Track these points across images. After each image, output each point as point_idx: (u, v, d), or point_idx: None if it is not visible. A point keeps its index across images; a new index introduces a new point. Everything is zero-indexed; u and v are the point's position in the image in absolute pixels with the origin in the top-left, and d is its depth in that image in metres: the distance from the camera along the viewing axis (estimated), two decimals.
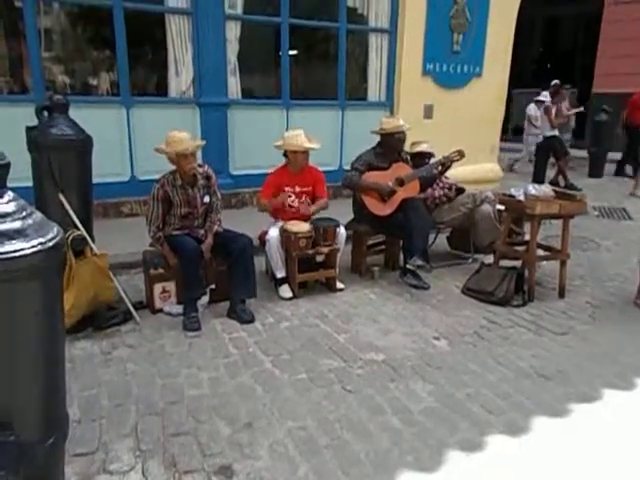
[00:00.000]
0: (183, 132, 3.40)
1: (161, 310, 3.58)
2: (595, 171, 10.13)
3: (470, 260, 4.89)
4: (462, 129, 7.41)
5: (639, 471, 2.15)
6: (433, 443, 2.27)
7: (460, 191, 4.78)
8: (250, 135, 6.22)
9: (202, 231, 3.59)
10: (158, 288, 3.57)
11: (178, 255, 3.41)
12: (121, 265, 4.19)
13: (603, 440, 2.34)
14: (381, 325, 3.49)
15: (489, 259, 4.55)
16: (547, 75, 14.52)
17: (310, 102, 6.87)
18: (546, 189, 4.08)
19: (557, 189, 4.16)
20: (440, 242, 5.26)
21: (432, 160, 4.64)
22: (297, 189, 4.06)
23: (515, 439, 2.32)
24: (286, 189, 4.04)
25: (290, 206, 4.06)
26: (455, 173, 7.43)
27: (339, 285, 4.11)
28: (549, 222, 6.52)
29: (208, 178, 3.53)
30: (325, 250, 3.91)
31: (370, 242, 4.60)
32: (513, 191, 4.10)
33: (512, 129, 15.90)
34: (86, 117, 5.31)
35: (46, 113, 3.08)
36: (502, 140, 14.59)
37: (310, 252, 3.86)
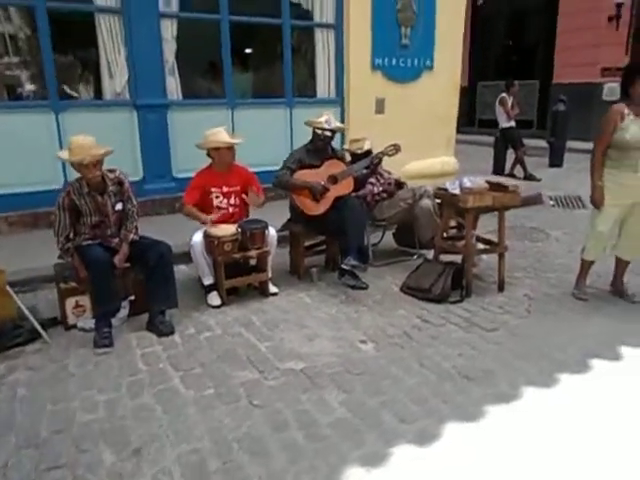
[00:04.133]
0: (88, 138, 3.16)
1: (75, 326, 3.37)
2: (555, 161, 10.11)
3: (415, 256, 4.76)
4: (416, 123, 7.32)
5: (550, 474, 2.02)
6: (334, 460, 2.11)
7: (400, 186, 4.64)
8: (193, 137, 5.96)
9: (117, 240, 3.38)
10: (71, 303, 3.37)
11: (87, 267, 3.20)
12: (44, 279, 3.97)
13: (515, 443, 2.21)
14: (309, 330, 3.33)
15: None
16: (512, 68, 14.64)
17: (256, 101, 6.70)
18: (480, 181, 3.96)
19: (491, 181, 4.03)
20: (387, 239, 5.14)
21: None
22: (225, 189, 3.89)
23: (422, 448, 2.18)
24: (212, 190, 3.86)
25: (219, 208, 3.88)
26: (410, 167, 7.41)
27: (273, 289, 3.94)
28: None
29: (120, 184, 3.33)
30: (253, 254, 3.75)
31: (310, 243, 4.45)
32: (448, 184, 3.97)
33: (478, 121, 16.01)
34: (12, 122, 5.17)
35: None
36: (467, 133, 14.69)
37: (237, 256, 3.68)
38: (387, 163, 6.51)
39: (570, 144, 10.17)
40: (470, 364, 2.86)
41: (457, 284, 3.91)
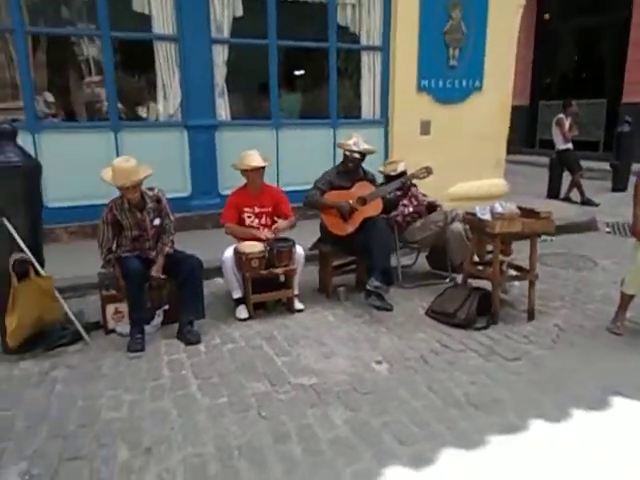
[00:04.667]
0: (129, 162, 3.40)
1: (114, 331, 3.63)
2: (618, 185, 9.66)
3: (448, 280, 4.74)
4: (463, 144, 7.29)
5: None
6: (327, 474, 2.19)
7: (433, 209, 4.66)
8: (239, 155, 6.29)
9: (154, 252, 3.63)
10: (110, 309, 3.64)
11: (124, 277, 3.46)
12: (91, 285, 4.28)
13: (512, 475, 2.19)
14: (327, 348, 3.42)
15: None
16: (578, 86, 14.14)
17: (300, 121, 6.91)
18: (512, 206, 3.93)
19: (524, 207, 3.98)
20: (422, 261, 5.15)
21: None
22: (256, 209, 4.07)
23: (416, 471, 2.22)
24: (245, 209, 4.06)
25: (250, 227, 4.06)
26: (456, 189, 7.38)
27: (299, 306, 4.07)
28: (550, 239, 6.31)
29: (158, 201, 3.58)
30: (279, 271, 3.89)
31: (340, 262, 4.54)
32: (478, 209, 3.96)
33: (539, 141, 15.53)
34: (77, 141, 5.64)
35: None
36: (527, 153, 14.30)
37: (264, 273, 3.84)
38: (433, 185, 6.57)
39: (636, 167, 9.70)
40: (482, 392, 2.85)
41: (485, 310, 3.88)
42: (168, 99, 6.02)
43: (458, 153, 7.30)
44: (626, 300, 3.70)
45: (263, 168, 4.05)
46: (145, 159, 5.65)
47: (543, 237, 6.39)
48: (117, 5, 5.69)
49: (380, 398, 2.79)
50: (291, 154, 6.54)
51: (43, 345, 3.37)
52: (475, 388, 2.89)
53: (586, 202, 8.32)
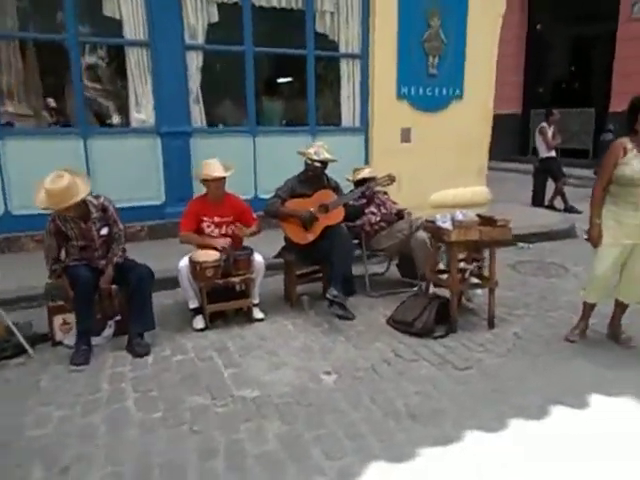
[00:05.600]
0: (61, 180, 3.20)
1: (61, 343, 3.56)
2: None
3: (416, 288, 4.67)
4: (444, 152, 7.25)
5: None
6: None
7: (401, 217, 4.60)
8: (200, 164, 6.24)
9: (103, 262, 3.56)
10: (58, 320, 3.57)
11: (71, 286, 3.40)
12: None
13: None
14: (278, 359, 3.35)
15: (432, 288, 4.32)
16: (568, 95, 14.12)
17: (278, 129, 6.88)
18: (472, 215, 3.86)
19: (483, 215, 3.91)
20: (394, 269, 5.09)
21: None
22: (216, 219, 4.00)
23: None
24: (204, 219, 3.99)
25: (210, 236, 4.00)
26: (437, 197, 7.32)
27: (258, 315, 4.00)
28: (526, 246, 6.25)
29: (104, 210, 3.51)
30: (237, 280, 3.82)
31: (304, 271, 4.47)
32: (438, 217, 3.89)
33: (531, 148, 15.45)
34: (40, 149, 5.59)
35: None
36: (519, 161, 14.23)
37: (220, 282, 3.77)
38: (414, 192, 6.53)
39: None
40: (424, 403, 2.77)
41: (445, 319, 3.81)
42: (141, 105, 5.99)
43: (440, 161, 7.26)
44: (587, 309, 3.63)
45: (224, 178, 3.98)
46: (116, 166, 5.70)
47: (519, 244, 6.36)
48: (86, 9, 5.67)
49: (319, 410, 2.71)
50: (269, 162, 6.49)
51: None
52: (418, 398, 2.82)
53: (569, 209, 8.29)
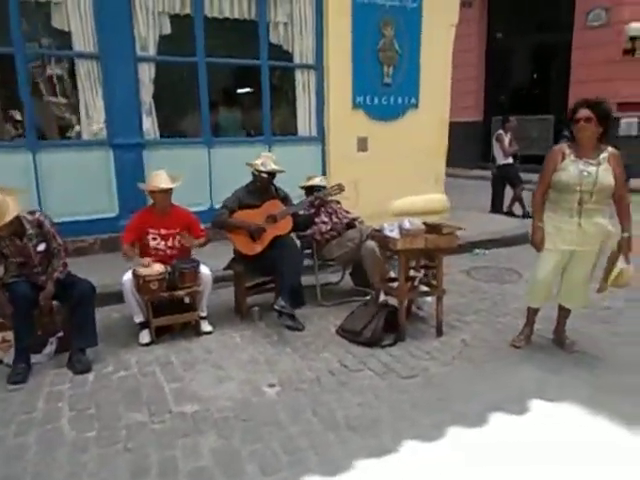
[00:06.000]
0: None
1: (1, 361, 3.45)
2: None
3: (369, 297, 4.68)
4: (401, 160, 7.33)
5: None
6: None
7: (351, 226, 4.62)
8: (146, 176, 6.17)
9: (44, 277, 3.47)
10: None
11: (10, 302, 3.30)
12: None
13: None
14: (222, 372, 3.32)
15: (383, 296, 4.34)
16: (527, 102, 14.49)
17: (232, 139, 6.86)
18: (419, 223, 3.91)
19: (430, 223, 3.97)
20: (348, 278, 5.10)
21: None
22: (162, 231, 3.95)
23: None
24: (150, 231, 3.94)
25: (156, 249, 3.94)
26: (397, 205, 7.39)
27: (207, 328, 3.96)
28: (482, 253, 6.36)
29: (40, 226, 3.41)
30: (182, 293, 3.78)
31: (255, 282, 4.45)
32: (386, 226, 3.93)
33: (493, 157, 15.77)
34: None
35: None
36: (483, 168, 14.51)
37: (165, 295, 3.72)
38: (373, 200, 6.57)
39: None
40: (364, 414, 2.77)
41: (394, 327, 3.83)
42: (91, 118, 5.88)
43: (397, 169, 7.34)
44: (531, 314, 3.71)
45: (170, 190, 3.94)
46: (68, 180, 5.58)
47: (475, 251, 6.47)
48: (34, 21, 5.56)
49: (258, 424, 2.69)
50: (225, 172, 6.43)
51: None
52: (359, 410, 2.82)
53: (527, 215, 8.42)
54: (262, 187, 4.15)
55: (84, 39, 5.70)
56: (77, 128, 5.91)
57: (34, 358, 3.47)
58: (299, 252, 4.10)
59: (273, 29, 6.70)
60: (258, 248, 4.02)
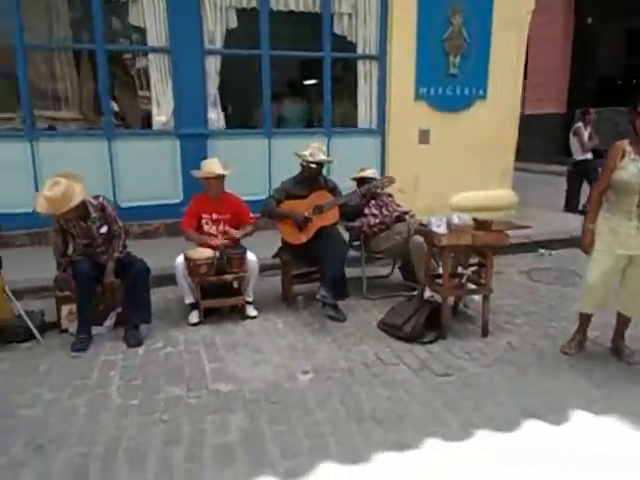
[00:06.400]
0: (57, 187, 3.37)
1: (67, 331, 3.78)
2: None
3: (416, 292, 4.64)
4: (465, 154, 7.16)
5: None
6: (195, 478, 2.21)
7: (400, 219, 4.60)
8: (232, 163, 6.40)
9: (105, 256, 3.75)
10: (65, 310, 3.79)
11: (74, 279, 3.61)
12: None
13: None
14: (260, 356, 3.44)
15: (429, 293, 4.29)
16: (621, 93, 13.49)
17: (292, 130, 6.98)
18: (467, 219, 3.83)
19: (480, 219, 3.86)
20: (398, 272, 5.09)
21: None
22: (214, 216, 4.15)
23: None
24: (203, 215, 4.14)
25: (209, 233, 4.14)
26: (457, 200, 7.22)
27: (252, 313, 4.11)
28: (548, 253, 6.10)
29: (102, 210, 3.68)
30: (229, 277, 3.95)
31: (302, 271, 4.54)
32: (433, 221, 3.87)
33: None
34: (72, 149, 5.89)
35: None
36: (563, 163, 13.79)
37: (213, 279, 3.90)
38: (432, 194, 6.48)
39: None
40: (392, 408, 2.79)
41: (437, 324, 3.79)
42: (161, 108, 6.21)
43: (460, 163, 7.17)
44: (583, 320, 3.53)
45: (223, 176, 4.12)
46: (138, 167, 5.95)
47: (540, 251, 6.20)
48: (113, 19, 5.94)
49: (286, 408, 2.78)
50: (283, 163, 6.54)
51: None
52: (387, 403, 2.84)
53: None
54: (310, 177, 4.23)
55: (157, 34, 6.02)
56: (154, 118, 6.24)
57: (96, 330, 3.77)
58: (344, 243, 4.14)
59: (337, 20, 6.73)
60: (303, 238, 4.11)
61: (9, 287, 3.81)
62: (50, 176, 3.54)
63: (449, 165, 7.12)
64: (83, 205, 3.54)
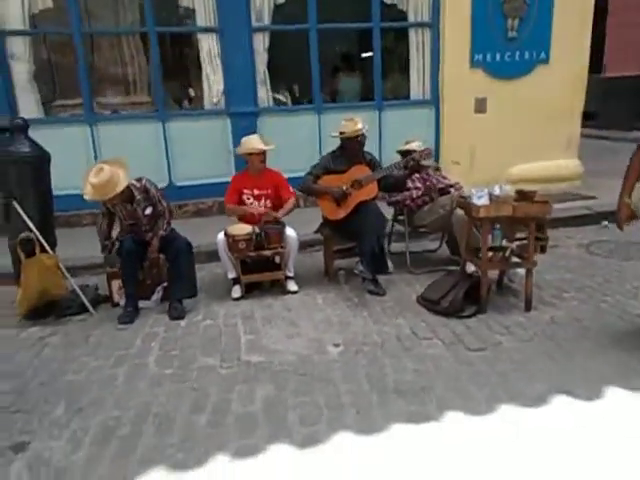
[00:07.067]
0: (101, 174, 3.50)
1: (118, 304, 4.02)
2: None
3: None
4: (526, 122, 6.83)
5: None
6: (213, 445, 2.31)
7: (444, 192, 4.46)
8: (282, 140, 6.39)
9: (150, 234, 3.92)
10: (115, 284, 4.02)
11: (119, 255, 3.81)
12: None
13: (401, 462, 2.14)
14: (295, 329, 3.50)
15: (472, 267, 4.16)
16: None
17: (342, 104, 6.89)
18: (509, 189, 3.66)
19: (524, 190, 3.66)
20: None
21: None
22: (255, 192, 4.22)
23: (299, 451, 2.25)
24: (245, 191, 4.23)
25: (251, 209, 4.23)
26: (515, 171, 6.90)
27: (292, 287, 4.17)
28: (605, 225, 5.72)
29: (147, 192, 3.82)
30: (268, 253, 4.02)
31: (343, 246, 4.53)
32: (474, 192, 3.71)
33: None
34: (129, 132, 6.18)
35: (7, 134, 3.70)
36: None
37: (252, 254, 3.99)
38: (490, 165, 6.25)
39: None
40: (417, 380, 2.76)
41: (477, 299, 3.68)
42: (212, 88, 6.34)
43: (520, 132, 6.84)
44: None
45: (264, 152, 4.17)
46: (191, 146, 6.14)
47: (603, 223, 5.81)
48: (165, 1, 6.10)
49: (312, 379, 2.82)
50: (334, 138, 6.54)
51: (54, 314, 3.84)
52: (413, 376, 2.81)
53: None
54: (349, 151, 4.18)
55: (206, 14, 6.11)
56: (205, 98, 6.39)
57: (144, 303, 3.98)
58: (382, 218, 4.07)
59: None
60: (342, 213, 4.09)
61: (69, 264, 4.11)
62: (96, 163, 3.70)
63: (508, 135, 6.80)
64: (128, 189, 3.68)
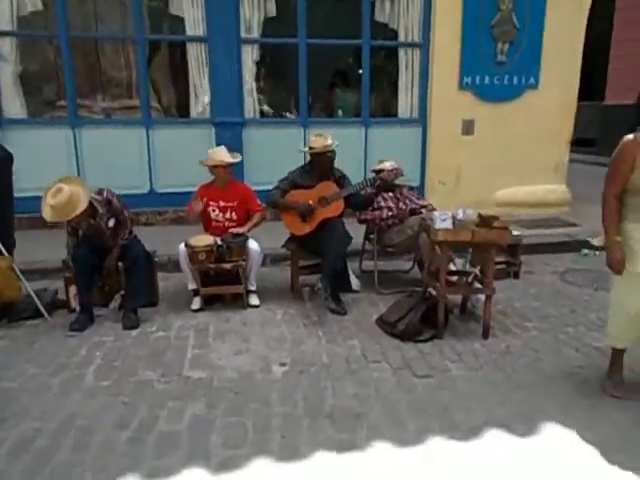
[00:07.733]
0: (60, 195, 3.38)
1: (75, 310, 3.96)
2: None
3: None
4: (513, 146, 6.80)
5: None
6: (125, 464, 2.24)
7: (415, 213, 4.40)
8: (267, 151, 6.44)
9: (112, 244, 3.85)
10: (72, 290, 3.97)
11: (72, 262, 3.76)
12: None
13: None
14: (246, 345, 3.43)
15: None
16: None
17: (329, 120, 6.87)
18: (472, 214, 3.60)
19: (486, 215, 3.61)
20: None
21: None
22: (221, 204, 4.18)
23: (211, 475, 2.17)
24: (210, 203, 4.18)
25: (216, 221, 4.19)
26: (503, 194, 6.84)
27: (254, 301, 4.11)
28: (593, 253, 5.64)
29: (109, 203, 3.74)
30: (228, 266, 3.96)
31: (310, 262, 4.48)
32: (437, 215, 3.67)
33: None
34: (111, 137, 6.18)
35: None
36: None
37: (212, 266, 3.93)
38: (477, 188, 6.18)
39: None
40: (353, 406, 2.68)
41: (436, 323, 3.61)
42: (198, 97, 6.35)
43: (508, 156, 6.81)
44: (617, 357, 2.89)
45: (230, 165, 4.14)
46: (176, 154, 6.12)
47: (583, 251, 5.72)
48: (154, 10, 6.13)
49: (247, 400, 2.74)
50: None
51: (7, 317, 3.79)
52: (352, 401, 2.73)
53: None
54: (318, 167, 4.15)
55: (195, 23, 6.13)
56: (191, 106, 6.40)
57: (101, 311, 3.93)
58: (345, 236, 4.00)
59: (379, 6, 6.55)
60: (307, 229, 4.04)
61: (36, 267, 4.06)
62: (54, 182, 3.54)
63: (495, 158, 6.76)
64: (90, 205, 3.57)
